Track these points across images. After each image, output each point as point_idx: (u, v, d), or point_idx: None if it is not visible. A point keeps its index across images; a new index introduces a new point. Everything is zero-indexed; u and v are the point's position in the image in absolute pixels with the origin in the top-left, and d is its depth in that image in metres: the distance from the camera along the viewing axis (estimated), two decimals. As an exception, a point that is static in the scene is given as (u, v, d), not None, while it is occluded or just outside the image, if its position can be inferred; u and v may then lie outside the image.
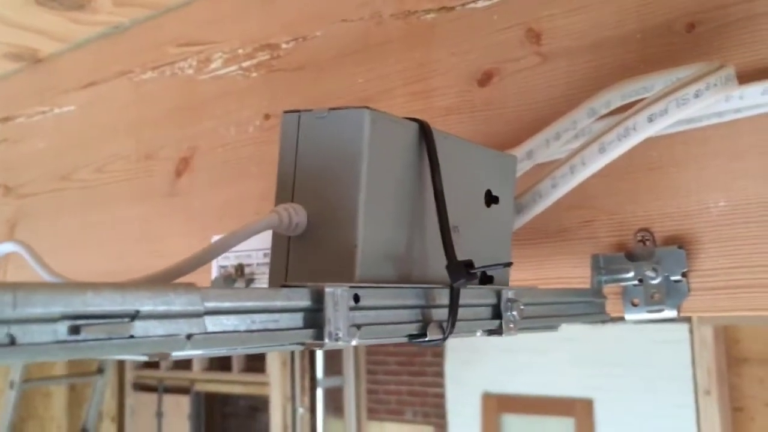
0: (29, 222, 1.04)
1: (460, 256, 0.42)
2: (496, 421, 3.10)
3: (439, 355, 3.22)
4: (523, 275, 0.61)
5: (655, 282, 0.55)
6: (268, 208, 0.79)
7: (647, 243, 0.57)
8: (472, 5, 0.68)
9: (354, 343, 0.36)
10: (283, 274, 0.41)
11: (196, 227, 0.86)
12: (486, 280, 0.47)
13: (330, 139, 0.40)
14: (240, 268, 0.81)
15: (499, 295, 0.45)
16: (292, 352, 3.32)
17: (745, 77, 0.52)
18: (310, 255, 0.40)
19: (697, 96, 0.46)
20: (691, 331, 2.61)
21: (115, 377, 3.79)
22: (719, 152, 0.55)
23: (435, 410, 3.30)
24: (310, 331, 0.34)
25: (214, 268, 0.81)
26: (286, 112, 0.41)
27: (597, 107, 0.56)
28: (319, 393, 3.49)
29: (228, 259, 0.79)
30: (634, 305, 0.57)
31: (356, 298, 0.36)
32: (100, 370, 2.36)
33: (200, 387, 3.77)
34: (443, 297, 0.41)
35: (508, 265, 0.43)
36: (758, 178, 0.53)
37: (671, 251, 0.55)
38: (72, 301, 0.26)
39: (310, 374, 3.47)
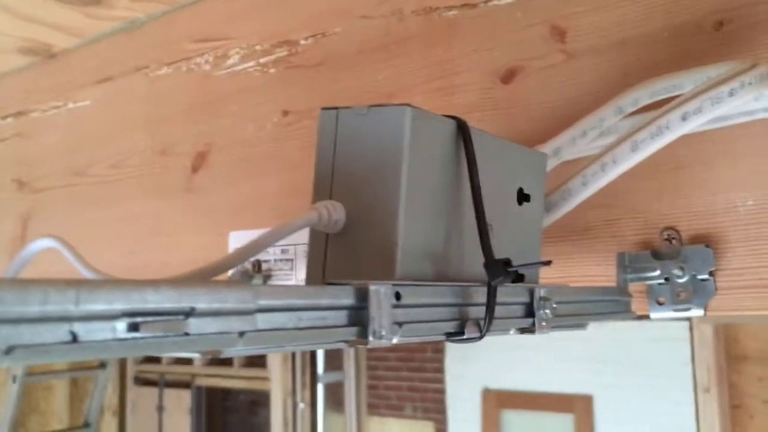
0: (43, 217, 1.04)
1: (494, 253, 0.42)
2: (496, 416, 3.10)
3: (439, 351, 3.23)
4: (549, 273, 0.61)
5: (681, 281, 0.55)
6: (286, 206, 0.80)
7: (673, 241, 0.57)
8: (495, 2, 0.68)
9: (395, 341, 0.36)
10: (321, 272, 0.41)
11: (211, 224, 0.86)
12: (518, 278, 0.47)
13: (369, 136, 0.40)
14: (257, 265, 0.80)
15: (532, 293, 0.45)
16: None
17: (775, 76, 0.52)
18: (348, 252, 0.40)
19: (731, 94, 0.46)
20: (690, 329, 2.61)
21: (116, 371, 3.79)
22: (748, 151, 0.55)
23: (435, 406, 3.31)
24: (354, 329, 0.34)
25: (232, 264, 0.81)
26: (324, 108, 0.41)
27: (624, 105, 0.56)
28: (320, 388, 3.50)
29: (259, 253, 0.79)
30: (660, 304, 0.57)
31: (398, 296, 0.36)
32: (102, 365, 2.36)
33: (201, 381, 3.77)
34: (480, 295, 0.41)
35: (547, 263, 0.43)
36: (787, 178, 0.53)
37: (698, 250, 0.55)
38: (132, 297, 0.26)
39: (311, 369, 3.47)
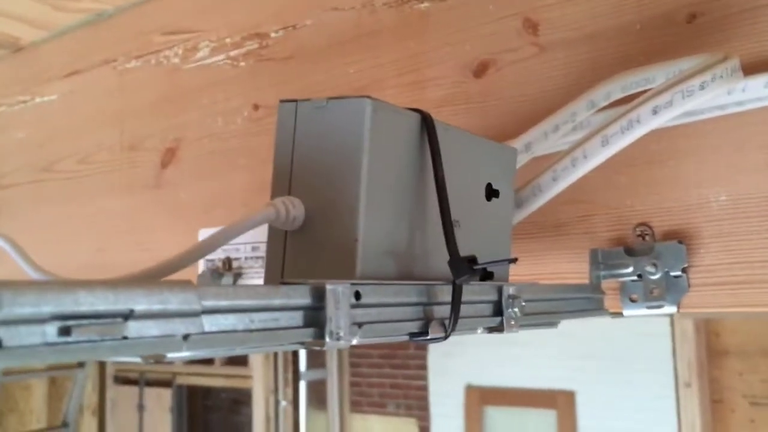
0: (9, 214, 1.02)
1: (461, 251, 0.40)
2: (479, 413, 3.10)
3: (422, 347, 3.22)
4: (520, 270, 0.60)
5: (654, 277, 0.54)
6: (257, 201, 0.78)
7: (646, 238, 0.56)
8: (467, -6, 0.67)
9: (355, 342, 0.35)
10: (279, 271, 0.39)
11: (182, 220, 0.84)
12: (486, 276, 0.46)
13: (329, 130, 0.38)
14: (228, 262, 0.79)
15: (500, 291, 0.44)
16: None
17: (747, 69, 0.51)
18: (308, 250, 0.39)
19: (702, 88, 0.45)
20: (671, 324, 2.63)
21: (95, 370, 3.75)
22: (721, 145, 0.54)
23: (418, 403, 3.30)
24: (310, 330, 0.33)
25: (201, 262, 0.79)
26: (282, 101, 0.40)
27: (596, 99, 0.55)
28: (302, 386, 3.48)
29: (215, 253, 0.77)
30: (633, 301, 0.56)
31: (357, 296, 0.35)
32: (81, 364, 2.33)
33: (182, 380, 3.74)
34: (445, 294, 0.40)
35: (513, 261, 0.42)
36: (761, 172, 0.52)
37: (671, 246, 0.54)
38: (62, 300, 0.24)
39: (293, 367, 3.46)
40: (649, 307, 0.55)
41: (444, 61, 0.68)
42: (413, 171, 0.42)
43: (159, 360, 0.28)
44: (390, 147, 0.39)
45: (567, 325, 0.53)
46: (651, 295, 0.55)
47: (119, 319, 0.26)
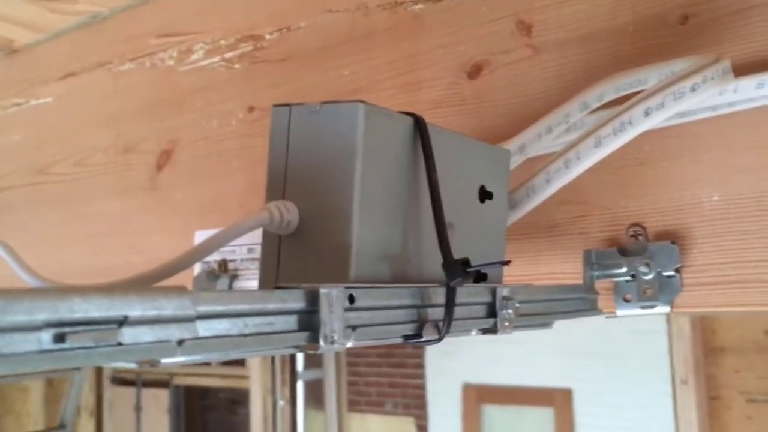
0: (4, 217, 1.02)
1: (455, 253, 0.41)
2: (477, 411, 3.11)
3: (419, 347, 3.22)
4: (515, 271, 0.60)
5: (647, 277, 0.55)
6: (252, 203, 0.78)
7: (640, 238, 0.56)
8: (461, -4, 0.67)
9: (349, 345, 0.35)
10: (274, 274, 0.39)
11: (177, 222, 0.84)
12: (480, 278, 0.46)
13: (322, 134, 0.39)
14: (223, 264, 0.79)
15: (494, 293, 0.44)
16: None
17: (739, 70, 0.52)
18: (302, 254, 0.39)
19: (693, 89, 0.46)
20: (668, 322, 2.63)
21: (93, 371, 3.75)
22: (713, 146, 0.54)
23: (415, 401, 3.31)
24: (304, 334, 0.33)
25: (197, 265, 0.79)
26: (276, 105, 0.40)
27: (590, 100, 0.55)
28: (300, 385, 3.48)
29: (211, 255, 0.78)
30: (627, 301, 0.56)
31: (351, 299, 0.35)
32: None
33: (179, 380, 3.74)
34: (439, 296, 0.40)
35: (506, 263, 0.42)
36: (752, 173, 0.52)
37: (664, 246, 0.55)
38: (57, 307, 0.24)
39: (291, 367, 3.46)
40: (642, 307, 0.55)
41: (438, 63, 0.68)
42: (407, 174, 0.42)
43: (154, 365, 0.28)
44: (383, 151, 0.40)
45: (564, 324, 0.53)
46: (644, 295, 0.55)
47: (114, 326, 0.26)
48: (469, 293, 0.43)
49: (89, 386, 3.74)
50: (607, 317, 0.57)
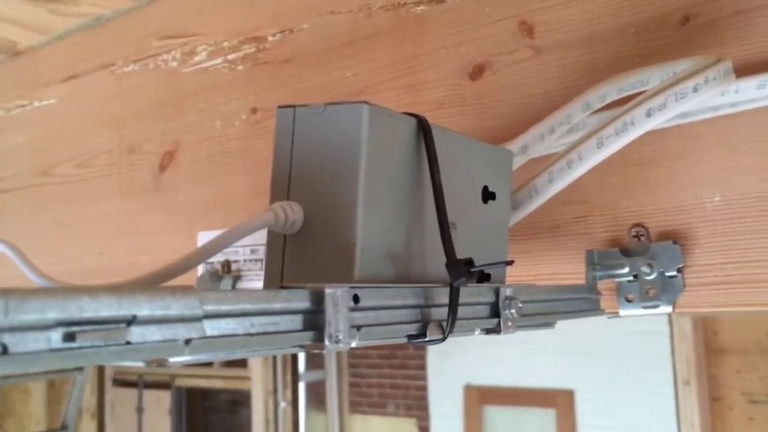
0: (8, 218, 1.02)
1: (458, 253, 0.41)
2: (478, 412, 3.11)
3: (421, 348, 3.23)
4: (517, 271, 0.60)
5: (650, 278, 0.55)
6: (255, 204, 0.78)
7: (642, 238, 0.56)
8: (463, -3, 0.67)
9: (354, 344, 0.35)
10: (279, 274, 0.40)
11: (181, 223, 0.84)
12: (483, 278, 0.47)
13: (327, 135, 0.39)
14: (227, 265, 0.79)
15: (497, 293, 0.44)
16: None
17: (740, 71, 0.52)
18: (306, 254, 0.39)
19: (695, 90, 0.46)
20: (670, 323, 2.63)
21: (94, 373, 3.75)
22: (714, 146, 0.54)
23: (417, 403, 3.31)
24: (309, 333, 0.33)
25: (200, 265, 0.79)
26: (280, 106, 0.40)
27: (592, 101, 0.56)
28: (301, 387, 3.48)
29: (214, 256, 0.78)
30: (629, 301, 0.56)
31: (356, 299, 0.35)
32: (79, 366, 2.33)
33: (181, 382, 3.74)
34: (443, 296, 0.40)
35: (509, 263, 0.42)
36: (754, 173, 0.53)
37: (666, 246, 0.55)
38: (67, 306, 0.24)
39: (292, 368, 3.46)
40: (644, 307, 0.55)
41: (440, 64, 0.68)
42: (410, 175, 0.42)
43: (161, 364, 0.29)
44: (387, 151, 0.40)
45: (566, 324, 0.53)
46: (647, 295, 0.55)
47: (122, 325, 0.26)
48: (472, 293, 0.43)
49: (91, 388, 3.75)
50: (609, 317, 0.57)
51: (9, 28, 0.96)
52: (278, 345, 0.32)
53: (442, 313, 0.40)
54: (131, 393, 3.80)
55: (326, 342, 0.33)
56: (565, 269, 0.60)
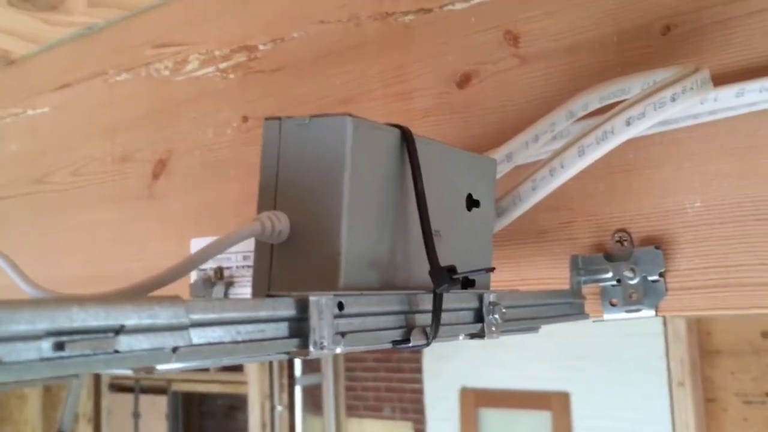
0: (2, 226, 1.03)
1: (442, 260, 0.42)
2: (474, 415, 3.12)
3: (416, 351, 3.24)
4: (503, 277, 0.61)
5: (633, 282, 0.56)
6: (247, 211, 0.79)
7: (625, 243, 0.57)
8: (450, 7, 0.68)
9: (339, 351, 0.36)
10: (266, 283, 0.40)
11: (173, 230, 0.85)
12: (467, 283, 0.48)
13: (312, 147, 0.40)
14: (219, 272, 0.80)
15: (480, 298, 0.45)
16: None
17: (720, 79, 0.53)
18: (293, 263, 0.40)
19: (673, 99, 0.47)
20: (664, 324, 2.65)
21: (91, 378, 3.75)
22: (695, 153, 0.55)
23: (413, 406, 3.32)
24: (295, 341, 0.34)
25: (193, 272, 0.80)
26: (267, 118, 0.41)
27: (575, 109, 0.57)
28: (298, 391, 3.49)
29: (207, 263, 0.79)
30: (613, 305, 0.57)
31: (340, 306, 0.36)
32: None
33: (177, 386, 3.74)
34: (426, 302, 0.41)
35: (491, 270, 0.43)
36: (733, 179, 0.54)
37: (648, 251, 0.56)
38: (57, 317, 0.25)
39: (289, 372, 3.46)
40: (628, 311, 0.56)
41: (428, 73, 0.69)
42: (394, 184, 0.43)
43: (149, 372, 0.30)
44: (371, 162, 0.41)
45: (560, 328, 0.54)
46: (630, 299, 0.56)
47: (110, 334, 0.27)
48: (456, 299, 0.44)
49: (87, 393, 3.75)
50: (594, 321, 0.58)
51: (2, 37, 0.97)
52: (264, 352, 0.33)
53: (426, 319, 0.41)
54: (128, 398, 3.80)
55: (311, 348, 0.34)
56: (551, 274, 0.61)
